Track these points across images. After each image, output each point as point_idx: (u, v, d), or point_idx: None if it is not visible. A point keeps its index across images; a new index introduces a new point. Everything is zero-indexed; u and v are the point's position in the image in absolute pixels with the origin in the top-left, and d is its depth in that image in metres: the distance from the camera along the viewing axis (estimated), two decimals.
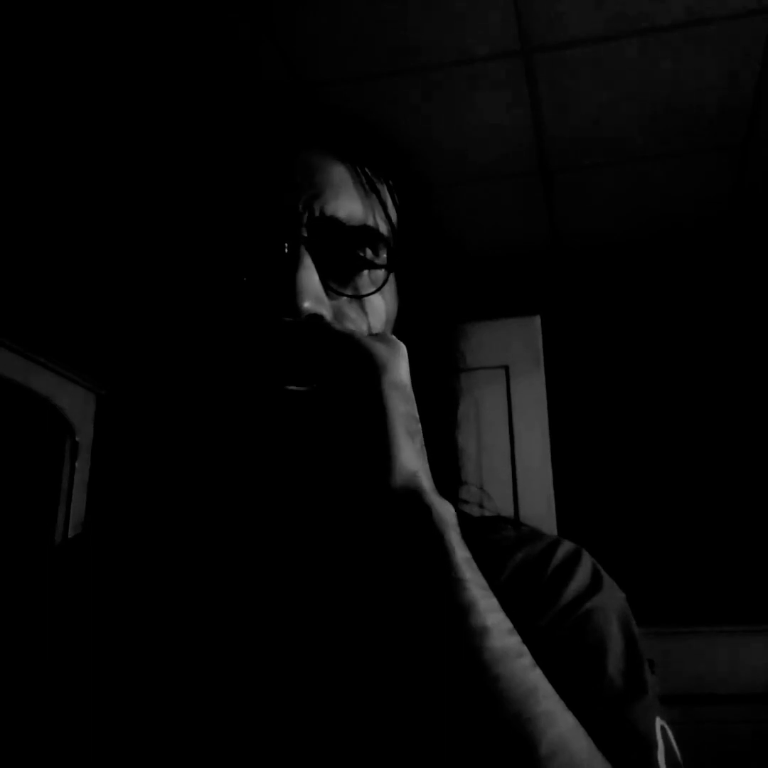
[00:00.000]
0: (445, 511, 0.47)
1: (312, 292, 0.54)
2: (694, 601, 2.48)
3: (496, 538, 0.60)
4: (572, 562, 0.59)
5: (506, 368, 2.80)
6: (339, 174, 0.60)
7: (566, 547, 0.61)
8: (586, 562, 0.60)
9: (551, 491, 2.64)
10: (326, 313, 0.55)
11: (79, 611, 0.57)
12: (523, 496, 2.64)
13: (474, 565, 0.47)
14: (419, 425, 0.50)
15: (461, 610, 0.44)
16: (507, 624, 0.46)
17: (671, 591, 2.48)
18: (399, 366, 0.50)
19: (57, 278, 2.55)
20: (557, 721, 0.43)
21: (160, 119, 2.14)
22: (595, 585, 0.58)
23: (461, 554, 0.46)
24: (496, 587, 0.47)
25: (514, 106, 2.15)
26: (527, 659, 0.45)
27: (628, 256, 2.86)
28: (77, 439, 2.64)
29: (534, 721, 0.42)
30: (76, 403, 2.65)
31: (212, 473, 0.58)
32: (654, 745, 0.50)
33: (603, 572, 0.60)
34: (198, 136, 2.01)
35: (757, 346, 2.70)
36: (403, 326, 0.61)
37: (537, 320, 2.84)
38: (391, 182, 0.64)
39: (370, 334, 0.55)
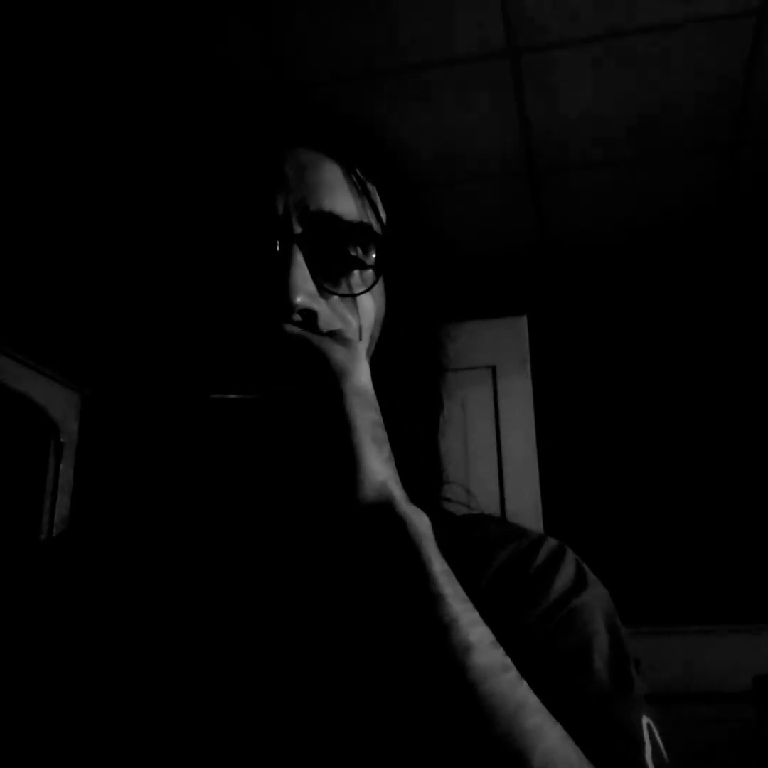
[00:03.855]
0: (419, 521, 0.46)
1: (304, 288, 0.53)
2: (675, 601, 2.50)
3: (480, 535, 0.60)
4: (557, 559, 0.59)
5: (493, 368, 2.81)
6: (331, 172, 0.60)
7: (550, 544, 0.61)
8: (570, 559, 0.60)
9: (538, 491, 2.65)
10: (319, 309, 0.54)
11: (72, 608, 0.56)
12: (510, 496, 2.64)
13: (453, 577, 0.46)
14: (385, 433, 0.49)
15: (442, 627, 0.43)
16: (490, 637, 0.45)
17: (652, 591, 2.49)
18: (358, 370, 0.49)
19: (42, 279, 2.54)
20: (547, 735, 0.43)
21: (151, 121, 2.13)
22: (579, 582, 0.58)
23: (439, 567, 0.45)
24: (481, 585, 0.47)
25: (501, 106, 2.15)
26: (513, 673, 0.44)
27: (615, 256, 2.87)
28: (62, 439, 2.62)
29: (524, 737, 0.42)
30: (60, 404, 2.64)
31: (197, 472, 0.58)
32: (641, 744, 0.50)
33: (587, 569, 0.60)
34: (188, 138, 2.00)
35: (746, 346, 2.72)
36: (389, 326, 0.61)
37: (523, 320, 2.85)
38: (380, 184, 0.64)
39: (327, 333, 0.53)
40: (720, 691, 2.32)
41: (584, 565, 0.60)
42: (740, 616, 2.43)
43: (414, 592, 0.44)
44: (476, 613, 0.45)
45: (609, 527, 2.56)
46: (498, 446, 2.73)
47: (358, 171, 0.62)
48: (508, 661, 0.45)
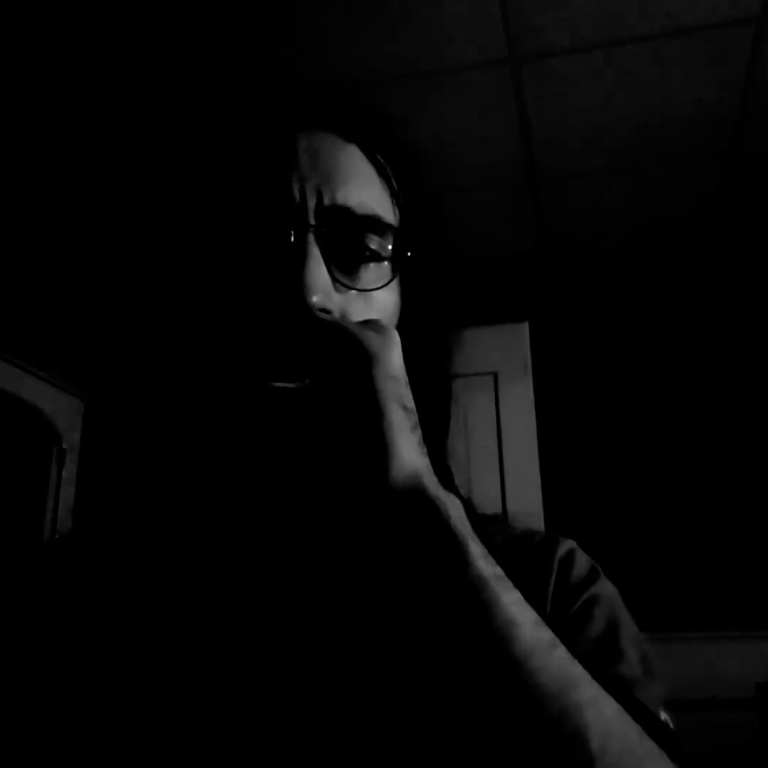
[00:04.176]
0: (452, 505, 0.46)
1: (321, 286, 0.52)
2: (677, 607, 2.49)
3: (492, 533, 0.60)
4: (571, 550, 0.60)
5: (495, 375, 2.81)
6: (347, 157, 0.58)
7: (562, 539, 0.61)
8: (582, 554, 0.60)
9: (539, 498, 2.65)
10: (334, 308, 0.53)
11: (76, 610, 0.55)
12: (512, 503, 2.64)
13: (491, 558, 0.45)
14: (417, 417, 0.48)
15: (484, 607, 0.43)
16: (533, 616, 0.44)
17: (654, 597, 2.49)
18: (391, 356, 0.48)
19: (45, 287, 2.54)
20: (603, 711, 0.42)
21: (152, 118, 2.13)
22: (595, 571, 0.59)
23: (476, 549, 0.45)
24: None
25: (502, 114, 2.16)
26: (561, 650, 0.44)
27: (616, 263, 2.88)
28: (64, 445, 2.62)
29: (579, 714, 0.41)
30: (63, 410, 2.64)
31: (205, 474, 0.57)
32: (672, 730, 0.49)
33: (597, 565, 0.60)
34: (194, 133, 2.01)
35: (748, 351, 2.71)
36: (400, 330, 0.61)
37: (525, 327, 2.85)
38: (395, 170, 0.61)
39: (361, 322, 0.52)
40: (722, 698, 2.31)
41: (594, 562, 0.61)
42: (742, 623, 2.42)
43: (453, 573, 0.44)
44: (518, 593, 0.45)
45: (611, 534, 2.56)
46: (500, 452, 2.73)
47: (377, 155, 0.59)
48: (555, 639, 0.44)
